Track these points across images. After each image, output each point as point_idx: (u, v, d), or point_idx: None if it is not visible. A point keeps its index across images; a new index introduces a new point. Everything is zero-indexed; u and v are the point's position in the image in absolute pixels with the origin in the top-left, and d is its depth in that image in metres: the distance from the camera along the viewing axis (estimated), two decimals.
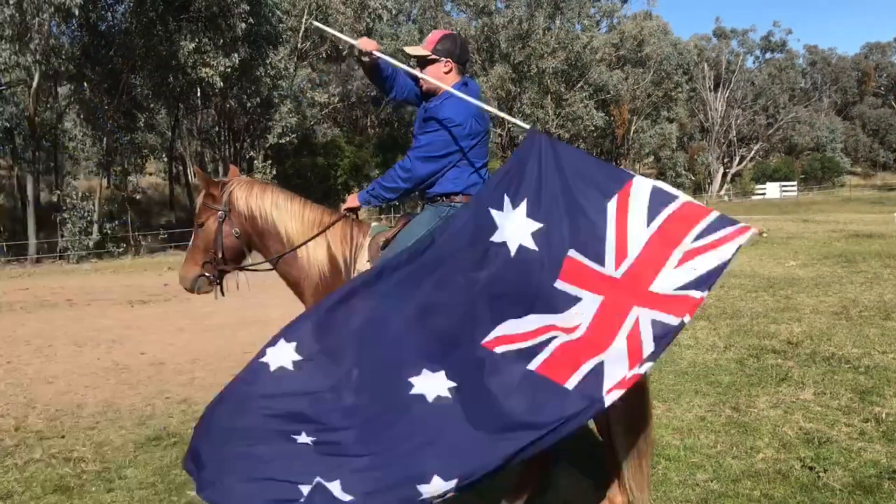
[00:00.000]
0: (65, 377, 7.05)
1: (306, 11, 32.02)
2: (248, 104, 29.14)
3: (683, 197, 2.74)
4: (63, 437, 5.28)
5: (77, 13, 20.92)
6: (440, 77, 3.71)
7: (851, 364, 6.34)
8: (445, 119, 3.57)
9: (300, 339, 2.96)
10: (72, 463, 4.72)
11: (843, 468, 4.17)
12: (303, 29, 31.86)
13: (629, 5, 48.95)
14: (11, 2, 19.69)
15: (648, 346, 2.52)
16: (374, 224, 3.94)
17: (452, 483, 2.56)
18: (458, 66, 3.73)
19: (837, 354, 6.67)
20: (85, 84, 25.19)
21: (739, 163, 58.78)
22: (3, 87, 25.17)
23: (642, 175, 2.85)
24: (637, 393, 3.49)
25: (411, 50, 3.76)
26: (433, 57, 3.68)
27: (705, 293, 2.53)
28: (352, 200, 3.87)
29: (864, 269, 12.33)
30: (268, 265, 4.00)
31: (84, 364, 7.59)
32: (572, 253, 2.77)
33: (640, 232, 2.70)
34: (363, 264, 3.71)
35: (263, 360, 2.96)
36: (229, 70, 24.47)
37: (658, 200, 2.72)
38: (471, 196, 3.66)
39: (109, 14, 25.73)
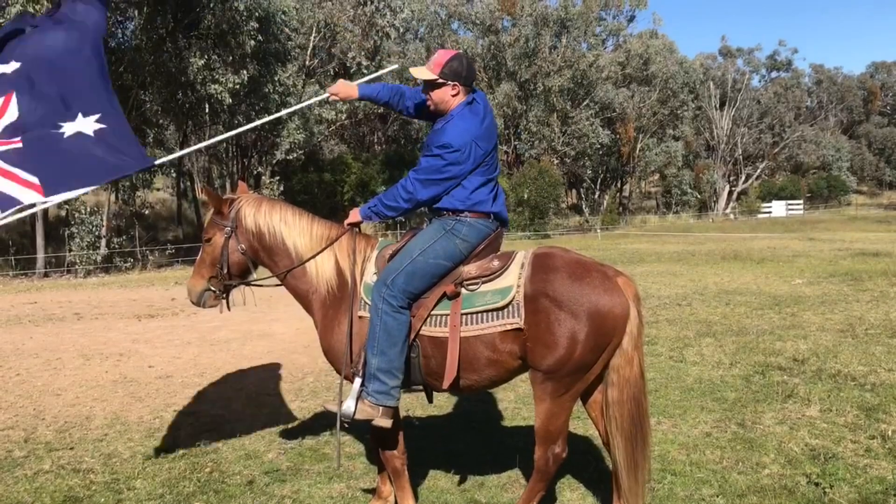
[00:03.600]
0: (73, 390, 7.09)
1: (314, 29, 32.29)
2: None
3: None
4: (72, 448, 5.31)
5: None
6: (447, 100, 3.73)
7: (857, 381, 6.35)
8: (444, 145, 3.58)
9: None
10: (81, 474, 4.76)
11: (850, 484, 4.18)
12: (311, 46, 32.10)
13: (635, 24, 48.96)
14: None
15: None
16: (381, 239, 4.02)
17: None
18: (465, 88, 3.74)
19: (843, 372, 6.67)
20: None
21: (745, 181, 58.67)
22: None
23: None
24: (636, 405, 3.54)
25: (417, 73, 3.75)
26: (441, 81, 3.69)
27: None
28: (353, 215, 3.90)
29: (871, 287, 12.32)
30: (275, 280, 4.07)
31: (92, 377, 7.63)
32: None
33: None
34: (370, 277, 3.77)
35: None
36: (238, 87, 24.65)
37: None
38: (479, 213, 3.71)
39: (119, 31, 25.97)
